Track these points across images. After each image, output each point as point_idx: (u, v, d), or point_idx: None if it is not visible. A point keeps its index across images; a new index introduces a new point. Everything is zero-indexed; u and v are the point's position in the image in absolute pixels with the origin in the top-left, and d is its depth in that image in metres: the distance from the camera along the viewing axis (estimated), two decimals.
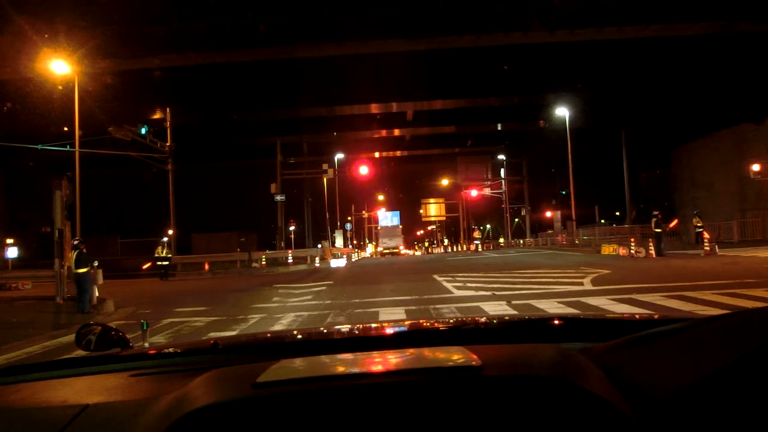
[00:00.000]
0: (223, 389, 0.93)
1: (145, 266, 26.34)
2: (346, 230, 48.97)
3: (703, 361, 0.84)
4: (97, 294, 12.74)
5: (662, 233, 20.16)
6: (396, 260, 37.20)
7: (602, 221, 41.11)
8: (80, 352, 1.63)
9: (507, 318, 2.88)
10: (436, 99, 32.49)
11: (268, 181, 34.39)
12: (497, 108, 34.49)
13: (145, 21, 22.99)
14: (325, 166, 38.69)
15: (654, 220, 20.06)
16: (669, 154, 37.22)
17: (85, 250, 12.07)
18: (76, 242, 12.40)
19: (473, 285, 12.82)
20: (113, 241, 37.33)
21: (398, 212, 73.25)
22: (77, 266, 11.75)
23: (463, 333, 1.62)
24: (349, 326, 2.60)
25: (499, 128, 39.80)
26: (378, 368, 1.09)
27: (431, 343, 1.39)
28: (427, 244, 71.50)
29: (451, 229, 73.51)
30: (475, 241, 40.86)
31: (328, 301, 11.40)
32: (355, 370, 1.08)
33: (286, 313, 9.83)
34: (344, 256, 32.30)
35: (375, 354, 1.24)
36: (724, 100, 27.01)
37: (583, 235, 32.11)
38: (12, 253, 28.61)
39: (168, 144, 28.35)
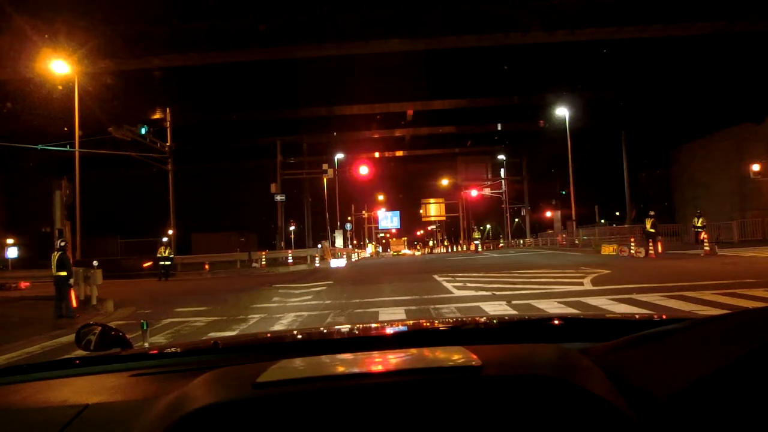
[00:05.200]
0: (223, 389, 0.93)
1: (146, 264, 26.31)
2: (346, 230, 48.95)
3: (704, 361, 0.84)
4: (96, 294, 12.74)
5: (657, 233, 20.13)
6: (396, 260, 37.23)
7: (602, 221, 41.08)
8: (80, 352, 1.63)
9: (507, 318, 2.88)
10: (436, 99, 32.54)
11: (268, 181, 34.38)
12: (497, 108, 34.54)
13: (145, 21, 22.98)
14: (325, 166, 38.67)
15: (651, 220, 20.04)
16: (669, 154, 37.23)
17: (68, 250, 11.42)
18: (62, 243, 11.75)
19: (473, 285, 12.82)
20: (113, 241, 37.30)
21: (398, 212, 73.28)
22: (58, 269, 11.03)
23: (463, 333, 1.62)
24: (349, 326, 2.61)
25: (499, 128, 39.86)
26: (378, 368, 1.09)
27: (431, 343, 1.39)
28: (432, 243, 71.52)
29: (451, 229, 73.48)
30: (475, 241, 40.81)
31: (328, 301, 11.40)
32: (356, 370, 1.08)
33: (286, 313, 9.83)
34: (344, 256, 32.29)
35: (375, 354, 1.24)
36: (724, 100, 27.01)
37: (583, 235, 32.11)
38: (12, 253, 28.61)
39: (168, 144, 28.35)
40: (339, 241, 42.35)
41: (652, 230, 19.84)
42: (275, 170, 34.12)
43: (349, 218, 57.72)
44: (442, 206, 64.16)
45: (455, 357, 1.03)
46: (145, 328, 2.95)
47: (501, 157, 51.28)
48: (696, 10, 21.98)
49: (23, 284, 21.08)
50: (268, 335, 2.54)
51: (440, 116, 35.82)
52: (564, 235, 36.28)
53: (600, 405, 0.80)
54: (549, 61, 26.97)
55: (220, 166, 43.29)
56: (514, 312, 8.64)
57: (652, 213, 20.54)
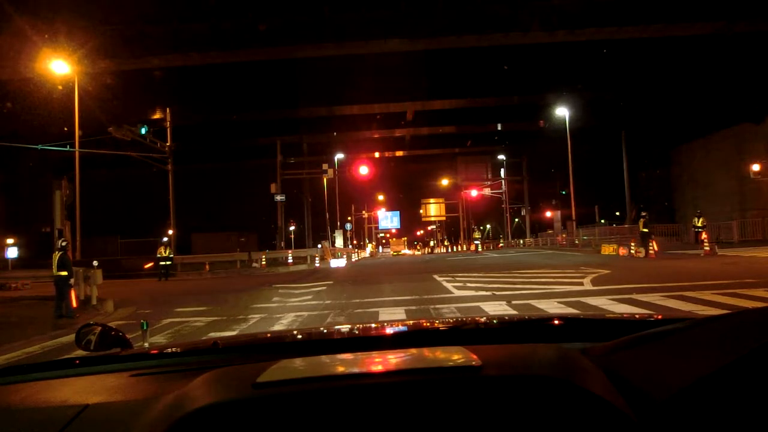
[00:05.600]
0: (224, 389, 0.93)
1: (147, 266, 26.31)
2: (346, 230, 48.95)
3: (704, 361, 0.83)
4: (96, 294, 12.74)
5: (650, 233, 20.18)
6: (396, 260, 37.22)
7: (602, 221, 41.10)
8: (80, 352, 1.63)
9: (507, 318, 2.88)
10: (436, 99, 32.52)
11: (268, 181, 34.39)
12: (497, 108, 34.54)
13: (145, 21, 22.99)
14: (325, 166, 38.68)
15: (642, 220, 20.11)
16: (669, 154, 37.24)
17: (69, 250, 11.49)
18: (63, 243, 11.87)
19: (473, 285, 12.82)
20: (113, 241, 37.31)
21: (398, 212, 73.30)
22: (59, 269, 11.05)
23: (463, 333, 1.62)
24: (349, 326, 2.60)
25: (499, 128, 39.85)
26: (378, 368, 1.09)
27: (431, 343, 1.39)
28: (432, 243, 71.61)
29: (451, 229, 73.47)
30: (475, 241, 40.80)
31: (328, 301, 11.40)
32: (356, 370, 1.08)
33: (286, 313, 9.83)
34: (344, 256, 32.28)
35: (375, 354, 1.24)
36: (724, 100, 27.02)
37: (583, 235, 32.11)
38: (12, 253, 28.56)
39: (168, 144, 28.36)
40: (339, 241, 42.35)
41: (645, 230, 19.92)
42: (275, 170, 34.14)
43: (349, 218, 57.72)
44: (442, 206, 64.16)
45: (455, 357, 1.03)
46: (145, 328, 2.95)
47: (501, 157, 51.29)
48: (696, 10, 21.99)
49: (23, 284, 21.06)
50: (268, 335, 2.53)
51: (440, 116, 35.81)
52: (564, 235, 36.28)
53: (600, 405, 0.80)
54: (549, 61, 26.97)
55: (220, 166, 43.27)
56: (514, 312, 8.64)
57: (644, 213, 20.69)
